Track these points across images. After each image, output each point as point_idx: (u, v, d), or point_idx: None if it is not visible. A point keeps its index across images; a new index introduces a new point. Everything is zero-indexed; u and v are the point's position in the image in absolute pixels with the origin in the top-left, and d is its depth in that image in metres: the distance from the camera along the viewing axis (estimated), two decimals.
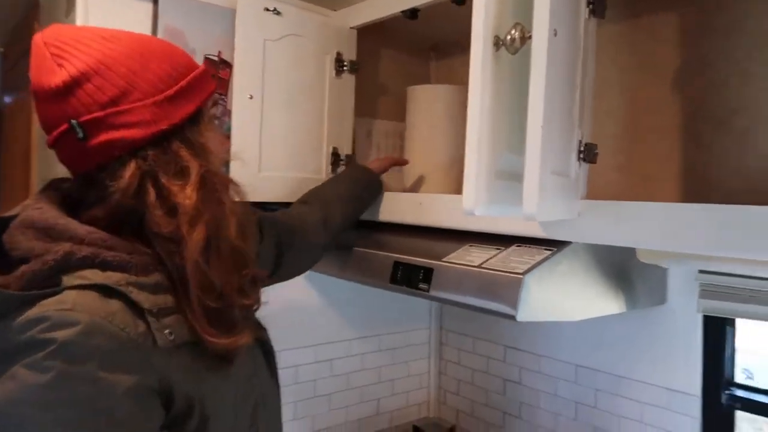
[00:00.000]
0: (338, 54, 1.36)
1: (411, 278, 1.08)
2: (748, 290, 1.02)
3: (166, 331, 0.62)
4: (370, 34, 1.42)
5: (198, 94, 0.71)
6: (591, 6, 0.87)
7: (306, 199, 1.19)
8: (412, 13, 1.26)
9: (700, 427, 1.13)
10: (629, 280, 1.10)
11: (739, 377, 1.12)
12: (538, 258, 0.94)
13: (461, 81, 1.50)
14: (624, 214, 0.83)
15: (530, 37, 0.69)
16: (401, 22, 1.32)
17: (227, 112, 1.28)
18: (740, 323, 1.12)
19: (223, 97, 1.28)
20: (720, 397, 1.11)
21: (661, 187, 1.16)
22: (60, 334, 0.56)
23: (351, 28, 1.39)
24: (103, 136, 0.64)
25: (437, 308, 1.69)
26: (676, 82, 1.14)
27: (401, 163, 1.35)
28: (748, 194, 1.04)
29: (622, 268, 1.08)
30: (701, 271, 1.08)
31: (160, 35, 1.17)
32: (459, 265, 1.01)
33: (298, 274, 1.14)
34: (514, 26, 0.70)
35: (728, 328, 1.11)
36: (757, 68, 1.03)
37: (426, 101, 1.42)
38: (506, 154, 0.80)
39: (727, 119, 1.07)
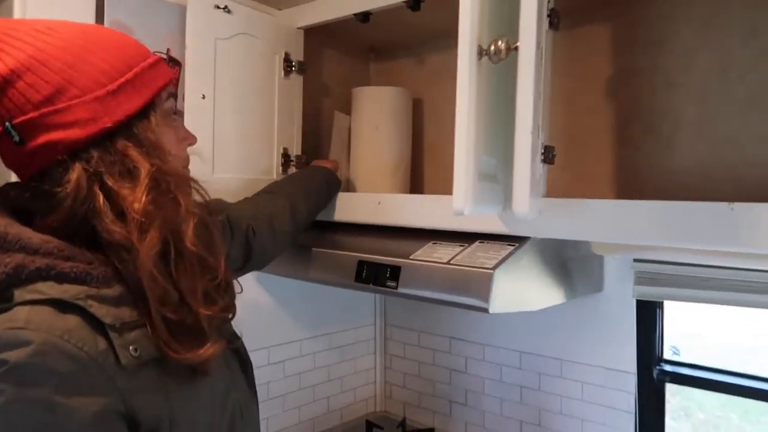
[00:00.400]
0: (286, 54, 1.36)
1: (378, 276, 1.11)
2: (676, 276, 1.14)
3: (131, 348, 0.58)
4: (313, 34, 1.42)
5: (148, 86, 0.66)
6: (550, 19, 0.94)
7: (271, 190, 1.18)
8: (365, 17, 1.28)
9: (635, 401, 1.25)
10: (570, 271, 1.19)
11: (667, 354, 1.26)
12: (504, 253, 1.00)
13: (401, 83, 1.56)
14: (580, 210, 0.91)
15: (516, 49, 0.74)
16: (344, 24, 1.34)
17: (178, 112, 1.24)
18: (667, 305, 1.25)
19: (173, 95, 1.24)
20: (652, 372, 1.24)
21: (598, 186, 1.26)
22: (11, 355, 0.52)
23: (298, 28, 1.39)
24: (41, 138, 0.60)
25: (381, 305, 1.73)
26: (610, 89, 1.25)
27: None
28: (675, 191, 1.16)
29: (564, 261, 1.17)
30: (636, 260, 1.19)
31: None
32: (428, 262, 1.05)
33: (268, 262, 1.13)
34: (500, 38, 0.75)
35: (658, 311, 1.24)
36: (680, 78, 1.16)
37: (371, 103, 1.45)
38: (484, 158, 0.85)
39: (655, 124, 1.19)
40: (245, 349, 0.81)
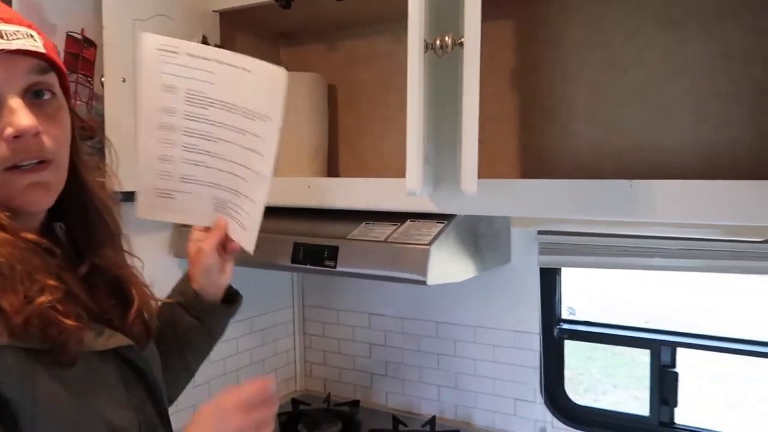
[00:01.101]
0: (204, 37, 1.34)
1: (315, 257, 1.15)
2: (575, 245, 1.31)
3: None
4: (227, 18, 1.41)
5: None
6: None
7: None
8: (287, 2, 1.30)
9: (540, 357, 1.42)
10: (481, 246, 1.32)
11: (564, 314, 1.43)
12: (435, 230, 1.09)
13: (312, 69, 1.59)
14: (505, 189, 1.02)
15: (461, 44, 0.82)
16: (257, 8, 1.34)
17: (95, 96, 1.18)
18: (565, 272, 1.42)
19: (89, 79, 1.18)
20: (553, 331, 1.41)
21: (504, 167, 1.39)
22: None
23: (214, 11, 1.37)
24: None
25: (299, 287, 1.76)
26: (513, 79, 1.38)
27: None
28: (571, 171, 1.32)
29: (476, 237, 1.29)
30: (540, 233, 1.34)
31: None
32: (366, 240, 1.11)
33: None
34: (447, 33, 0.83)
35: (557, 277, 1.41)
36: (573, 71, 1.31)
37: (291, 88, 1.47)
38: (428, 143, 0.93)
39: (553, 111, 1.34)
40: (154, 377, 0.74)
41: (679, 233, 1.16)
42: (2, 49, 0.58)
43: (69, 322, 0.59)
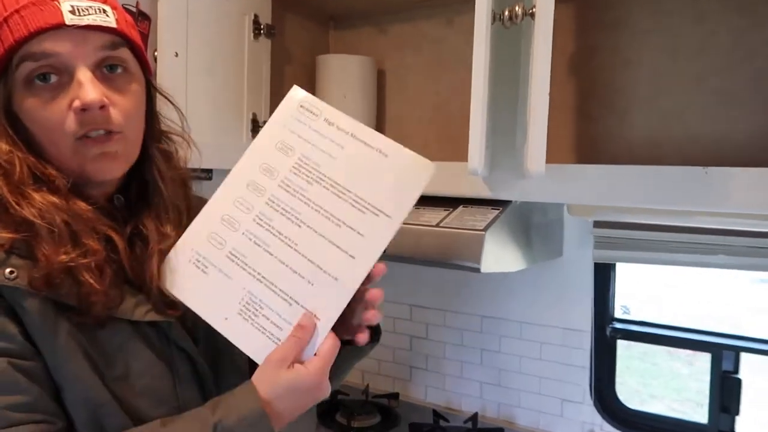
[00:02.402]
0: (255, 16, 1.33)
1: None
2: (632, 240, 1.25)
3: (8, 270, 0.59)
4: None
5: None
6: None
7: None
8: None
9: (590, 357, 1.35)
10: (532, 237, 1.26)
11: (618, 313, 1.37)
12: (490, 216, 1.05)
13: (361, 52, 1.56)
14: (572, 175, 0.97)
15: (532, 14, 0.77)
16: None
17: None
18: (619, 268, 1.35)
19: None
20: (606, 330, 1.34)
21: (558, 154, 1.34)
22: None
23: None
24: None
25: None
26: (571, 65, 1.32)
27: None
28: (628, 160, 1.26)
29: (528, 228, 1.24)
30: (596, 226, 1.28)
31: None
32: (417, 225, 1.07)
33: None
34: (517, 2, 0.78)
35: (612, 273, 1.35)
36: (635, 57, 1.25)
37: (339, 71, 1.45)
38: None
39: (611, 98, 1.28)
40: (200, 363, 0.71)
41: (750, 226, 1.09)
42: (73, 25, 0.60)
43: (96, 285, 0.61)
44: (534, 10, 0.77)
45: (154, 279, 0.67)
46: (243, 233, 0.68)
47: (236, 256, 0.68)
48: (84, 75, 0.61)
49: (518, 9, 0.78)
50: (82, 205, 0.64)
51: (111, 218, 0.67)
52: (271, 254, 0.67)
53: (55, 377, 0.61)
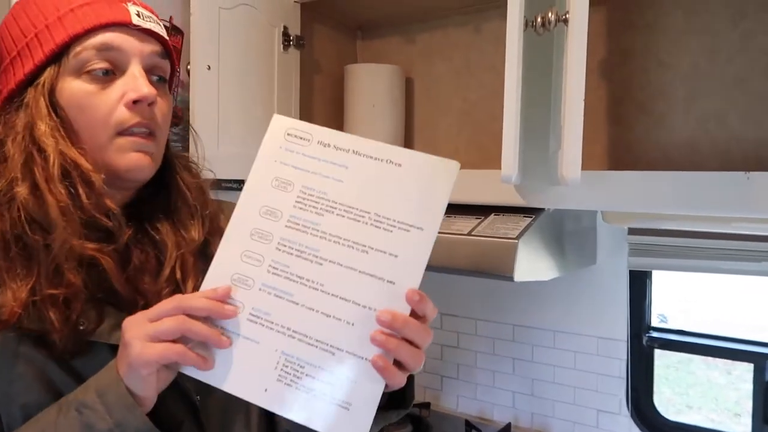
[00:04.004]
0: (285, 28, 1.34)
1: None
2: (669, 247, 1.22)
3: None
4: (306, 10, 1.40)
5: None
6: None
7: None
8: None
9: (627, 367, 1.32)
10: (565, 245, 1.24)
11: (654, 321, 1.34)
12: (523, 224, 1.03)
13: (389, 61, 1.56)
14: (605, 182, 0.95)
15: (565, 20, 0.76)
16: (336, 0, 1.33)
17: (181, 83, 1.19)
18: (657, 275, 1.32)
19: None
20: (642, 339, 1.31)
21: (592, 161, 1.32)
22: None
23: (295, 2, 1.37)
24: None
25: None
26: (604, 69, 1.30)
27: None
28: (665, 165, 1.23)
29: (561, 235, 1.22)
30: (630, 233, 1.26)
31: None
32: (448, 234, 1.07)
33: None
34: (550, 8, 0.77)
35: (648, 281, 1.32)
36: (671, 60, 1.23)
37: (368, 80, 1.45)
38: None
39: (646, 102, 1.26)
40: (186, 383, 0.64)
41: None
42: (138, 25, 0.64)
43: (56, 323, 0.58)
44: (567, 16, 0.76)
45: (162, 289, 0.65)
46: (260, 289, 0.60)
47: (258, 317, 0.59)
48: (138, 70, 0.64)
49: (551, 15, 0.77)
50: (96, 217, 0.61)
51: (106, 232, 0.63)
52: (297, 303, 0.59)
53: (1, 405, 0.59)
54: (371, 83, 1.44)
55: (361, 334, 0.58)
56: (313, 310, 0.59)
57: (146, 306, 0.61)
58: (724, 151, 1.18)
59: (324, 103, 1.52)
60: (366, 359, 0.57)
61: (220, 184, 1.15)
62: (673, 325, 1.35)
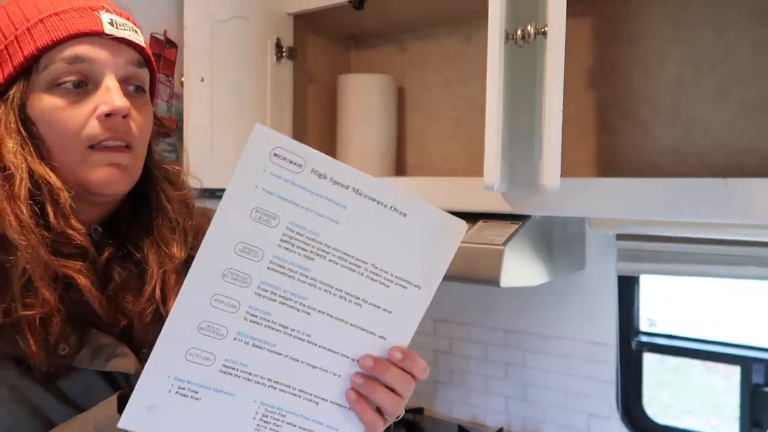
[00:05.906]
0: (278, 40, 1.37)
1: None
2: (657, 252, 1.24)
3: None
4: (298, 21, 1.43)
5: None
6: None
7: None
8: (360, 3, 1.30)
9: (616, 371, 1.34)
10: (554, 250, 1.26)
11: (643, 325, 1.35)
12: (510, 231, 1.06)
13: (381, 70, 1.59)
14: (591, 188, 0.97)
15: (544, 33, 0.79)
16: (329, 11, 1.35)
17: (174, 95, 1.22)
18: (645, 280, 1.34)
19: (169, 78, 1.22)
20: (631, 343, 1.33)
21: (579, 167, 1.34)
22: None
23: (288, 13, 1.39)
24: None
25: None
26: (590, 78, 1.33)
27: None
28: (650, 172, 1.26)
29: (550, 241, 1.24)
30: (619, 238, 1.28)
31: None
32: None
33: None
34: (529, 22, 0.80)
35: (636, 286, 1.34)
36: (656, 69, 1.25)
37: (361, 90, 1.48)
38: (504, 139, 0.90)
39: (631, 111, 1.28)
40: None
41: None
42: (110, 34, 0.61)
43: (33, 346, 0.56)
44: (546, 29, 0.78)
45: (144, 311, 0.63)
46: (234, 338, 0.53)
47: (232, 368, 0.54)
48: (112, 82, 0.62)
49: (530, 28, 0.79)
50: (71, 234, 0.60)
51: (81, 249, 0.61)
52: (279, 354, 0.55)
53: None
54: (364, 93, 1.47)
55: (348, 384, 0.57)
56: (297, 360, 0.56)
57: (128, 326, 0.61)
58: (708, 158, 1.20)
59: (317, 113, 1.55)
60: (349, 408, 0.57)
61: (214, 193, 1.18)
62: (662, 330, 1.36)
